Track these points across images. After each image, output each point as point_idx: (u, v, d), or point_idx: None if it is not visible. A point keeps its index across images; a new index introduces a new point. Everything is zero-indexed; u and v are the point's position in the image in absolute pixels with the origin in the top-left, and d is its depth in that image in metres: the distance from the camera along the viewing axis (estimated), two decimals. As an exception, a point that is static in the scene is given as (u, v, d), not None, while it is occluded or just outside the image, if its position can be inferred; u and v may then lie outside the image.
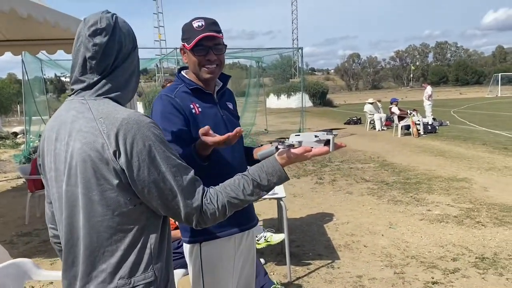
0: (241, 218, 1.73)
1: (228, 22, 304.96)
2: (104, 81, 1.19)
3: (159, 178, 1.13)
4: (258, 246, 3.80)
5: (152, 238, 1.20)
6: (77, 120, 1.14)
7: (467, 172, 7.41)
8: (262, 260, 3.84)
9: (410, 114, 12.98)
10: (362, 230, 4.71)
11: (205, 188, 1.22)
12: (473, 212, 5.16)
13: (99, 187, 1.12)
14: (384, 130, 14.77)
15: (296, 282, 3.53)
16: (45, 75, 14.90)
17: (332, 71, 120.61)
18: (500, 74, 43.34)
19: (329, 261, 3.89)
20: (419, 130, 12.82)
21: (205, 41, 1.65)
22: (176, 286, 2.73)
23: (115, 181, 1.11)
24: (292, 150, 1.29)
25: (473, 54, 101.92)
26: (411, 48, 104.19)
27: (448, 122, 15.60)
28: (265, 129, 15.17)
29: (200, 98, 1.72)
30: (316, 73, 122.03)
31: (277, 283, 3.01)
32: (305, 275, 3.64)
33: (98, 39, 1.17)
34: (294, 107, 28.81)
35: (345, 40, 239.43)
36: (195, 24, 1.66)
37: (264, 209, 5.59)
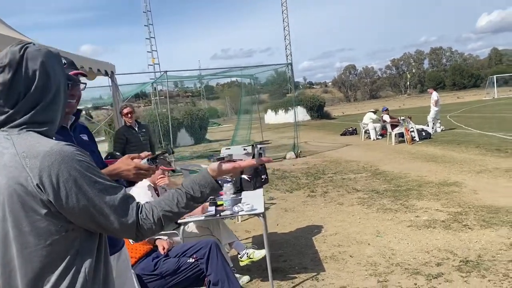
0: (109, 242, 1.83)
1: (226, 41, 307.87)
2: (28, 117, 1.21)
3: (88, 203, 1.17)
4: (241, 263, 3.84)
5: (87, 262, 1.23)
6: (2, 156, 1.17)
7: (458, 176, 7.43)
8: (247, 277, 3.85)
9: (402, 121, 13.03)
10: (349, 240, 4.73)
11: (140, 204, 1.27)
12: (461, 215, 5.16)
13: (28, 218, 1.15)
14: (379, 139, 14.82)
15: (280, 296, 3.54)
16: None
17: (330, 83, 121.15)
18: (495, 76, 43.44)
19: (314, 274, 3.90)
20: (414, 137, 12.86)
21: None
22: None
23: (44, 211, 1.15)
24: (222, 164, 1.36)
25: (468, 58, 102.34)
26: (406, 56, 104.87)
27: (443, 127, 15.61)
28: (261, 146, 15.24)
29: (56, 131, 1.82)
30: (314, 86, 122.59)
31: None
32: (289, 289, 3.65)
33: (1, 78, 1.18)
34: (291, 122, 28.86)
35: (341, 52, 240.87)
36: None
37: (254, 226, 5.62)
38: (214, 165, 1.36)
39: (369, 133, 15.31)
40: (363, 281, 3.67)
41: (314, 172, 9.40)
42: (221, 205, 3.61)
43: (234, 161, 1.36)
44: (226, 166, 1.35)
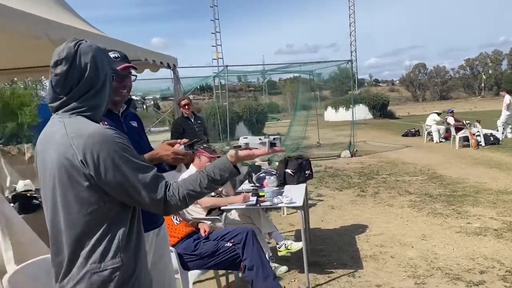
0: (149, 219, 1.95)
1: (291, 36, 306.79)
2: (78, 103, 1.43)
3: (123, 179, 1.38)
4: (279, 253, 3.98)
5: (120, 231, 1.43)
6: (54, 135, 1.40)
7: (522, 184, 7.01)
8: (285, 268, 3.98)
9: (467, 124, 12.41)
10: (393, 241, 4.69)
11: (168, 182, 1.46)
12: (517, 225, 4.92)
13: (73, 189, 1.37)
14: (442, 142, 14.20)
15: (314, 288, 3.64)
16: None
17: (397, 82, 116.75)
18: None
19: (352, 271, 3.95)
20: (479, 141, 12.21)
21: (123, 70, 2.00)
22: (189, 286, 2.98)
23: (86, 183, 1.37)
24: (239, 151, 1.53)
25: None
26: (482, 56, 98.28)
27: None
28: (318, 142, 15.17)
29: (108, 116, 2.00)
30: (380, 84, 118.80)
31: None
32: (324, 283, 3.74)
33: (59, 69, 1.41)
34: (351, 120, 28.29)
35: (412, 50, 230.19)
36: (112, 55, 2.00)
37: (298, 220, 5.71)
38: (232, 152, 1.53)
39: (432, 135, 14.73)
40: (400, 281, 3.67)
41: (367, 172, 9.27)
42: (263, 196, 3.77)
43: (250, 149, 1.52)
44: (242, 153, 1.52)
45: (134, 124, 2.26)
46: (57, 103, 1.45)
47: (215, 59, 30.88)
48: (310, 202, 6.63)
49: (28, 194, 4.58)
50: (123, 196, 1.41)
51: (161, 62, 6.86)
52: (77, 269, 1.41)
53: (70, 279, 1.42)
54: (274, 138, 1.53)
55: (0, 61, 6.32)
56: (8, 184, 5.76)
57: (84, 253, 1.40)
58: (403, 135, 17.86)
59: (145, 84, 15.76)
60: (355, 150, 12.49)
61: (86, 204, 1.39)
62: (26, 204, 4.15)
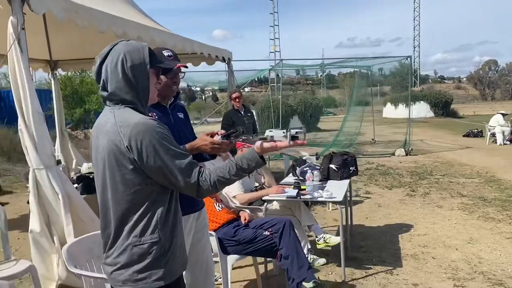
0: (190, 203, 2.14)
1: (352, 30, 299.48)
2: (121, 98, 1.62)
3: (162, 164, 1.57)
4: (318, 246, 4.08)
5: (159, 210, 1.62)
6: (106, 124, 1.61)
7: None
8: (323, 260, 4.07)
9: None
10: (437, 242, 4.62)
11: (202, 169, 1.64)
12: None
13: (120, 171, 1.58)
14: (506, 144, 13.41)
15: (350, 282, 3.71)
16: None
17: (464, 79, 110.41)
18: None
19: (390, 268, 3.96)
20: (548, 145, 11.42)
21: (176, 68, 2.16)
22: (228, 269, 3.18)
23: (131, 167, 1.57)
24: (264, 143, 1.67)
25: None
26: None
27: None
28: (372, 139, 14.88)
29: (157, 108, 2.19)
30: (446, 81, 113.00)
31: (317, 279, 3.22)
32: (361, 278, 3.79)
33: (94, 67, 1.64)
34: (412, 117, 27.31)
35: (483, 45, 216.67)
36: (166, 53, 2.17)
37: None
38: (258, 144, 1.68)
39: (495, 136, 13.95)
40: (439, 282, 3.64)
41: (420, 172, 9.03)
42: (304, 189, 3.88)
43: (275, 141, 1.66)
44: (266, 145, 1.68)
45: (181, 115, 2.46)
46: (105, 94, 1.66)
47: (272, 52, 31.05)
48: (357, 199, 6.63)
49: (91, 176, 5.01)
50: (161, 179, 1.60)
51: (216, 56, 7.12)
52: (121, 241, 1.62)
53: (115, 249, 1.64)
54: (296, 132, 1.63)
55: (71, 51, 6.89)
56: (73, 165, 6.31)
57: (127, 227, 1.61)
58: (464, 136, 17.03)
59: (205, 76, 16.27)
60: (410, 148, 12.14)
61: (131, 185, 1.59)
62: (89, 185, 4.55)
